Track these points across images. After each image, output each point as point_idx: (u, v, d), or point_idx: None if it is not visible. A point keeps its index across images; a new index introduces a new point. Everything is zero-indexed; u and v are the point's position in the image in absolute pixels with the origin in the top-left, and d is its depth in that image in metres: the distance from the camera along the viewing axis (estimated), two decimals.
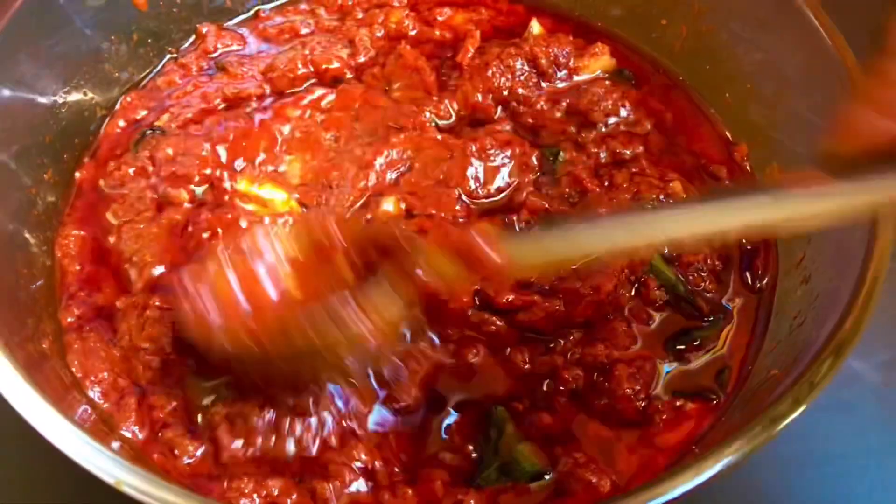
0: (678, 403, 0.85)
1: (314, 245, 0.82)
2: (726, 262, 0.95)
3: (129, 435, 0.82)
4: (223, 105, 1.08)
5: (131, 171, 1.00)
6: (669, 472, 0.63)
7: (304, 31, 1.17)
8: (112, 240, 0.95)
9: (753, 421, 0.64)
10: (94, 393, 0.84)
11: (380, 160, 1.00)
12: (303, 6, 1.21)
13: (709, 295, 0.92)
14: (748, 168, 1.02)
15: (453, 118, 1.07)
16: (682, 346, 0.89)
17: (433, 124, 1.05)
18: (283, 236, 0.83)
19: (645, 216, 0.73)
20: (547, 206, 0.97)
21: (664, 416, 0.84)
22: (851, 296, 0.71)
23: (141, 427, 0.83)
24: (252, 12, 1.20)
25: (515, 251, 0.72)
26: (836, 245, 0.83)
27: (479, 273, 0.73)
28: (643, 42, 1.15)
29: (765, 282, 0.93)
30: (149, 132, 1.04)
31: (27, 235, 0.91)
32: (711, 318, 0.91)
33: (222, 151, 1.01)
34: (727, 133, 1.06)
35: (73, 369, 0.85)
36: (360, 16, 1.19)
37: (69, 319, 0.89)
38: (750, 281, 0.94)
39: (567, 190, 0.99)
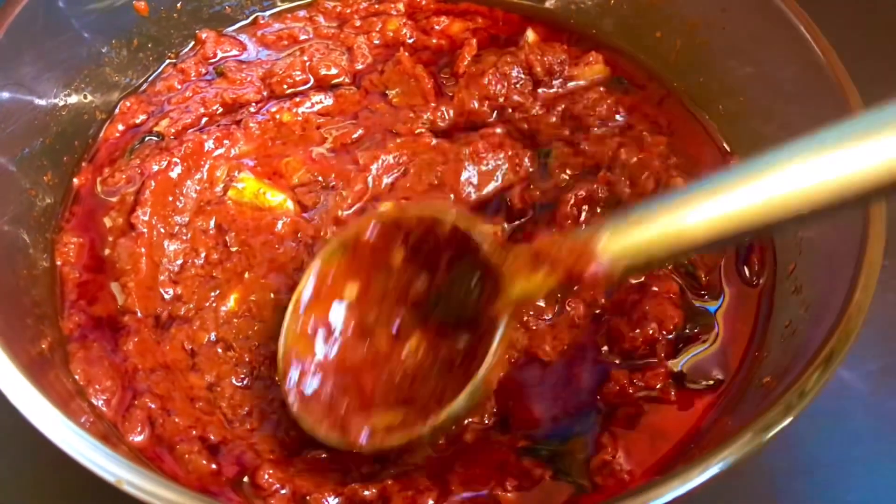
0: (684, 392, 0.86)
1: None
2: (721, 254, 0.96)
3: (135, 441, 0.82)
4: (222, 110, 1.09)
5: (123, 177, 1.00)
6: (656, 480, 0.64)
7: (302, 37, 1.18)
8: (107, 252, 0.96)
9: (743, 430, 0.65)
10: (98, 401, 0.84)
11: (376, 164, 1.01)
12: (301, 13, 1.21)
13: (706, 278, 0.93)
14: None
15: (449, 124, 1.08)
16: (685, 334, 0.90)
17: (428, 129, 1.06)
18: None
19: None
20: (539, 193, 1.00)
21: (670, 402, 0.85)
22: (841, 307, 0.72)
23: (145, 437, 0.83)
24: (251, 19, 1.21)
25: (619, 251, 0.67)
26: (826, 256, 0.85)
27: (576, 284, 0.70)
28: (638, 51, 1.16)
29: (762, 279, 0.94)
30: (147, 138, 1.05)
31: (26, 238, 0.91)
32: (706, 294, 0.92)
33: (220, 153, 1.03)
34: (723, 142, 1.07)
35: (77, 377, 0.85)
36: (357, 23, 1.20)
37: (71, 328, 0.89)
38: (748, 275, 0.94)
39: (561, 177, 1.01)
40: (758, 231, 0.69)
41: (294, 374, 0.82)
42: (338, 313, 0.85)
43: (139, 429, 0.83)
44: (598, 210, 0.97)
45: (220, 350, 0.89)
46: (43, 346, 0.84)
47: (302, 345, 0.83)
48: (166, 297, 0.93)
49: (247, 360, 0.89)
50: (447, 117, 1.08)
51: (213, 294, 0.93)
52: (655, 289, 0.90)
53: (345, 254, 0.85)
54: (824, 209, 0.60)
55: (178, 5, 1.13)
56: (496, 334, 0.75)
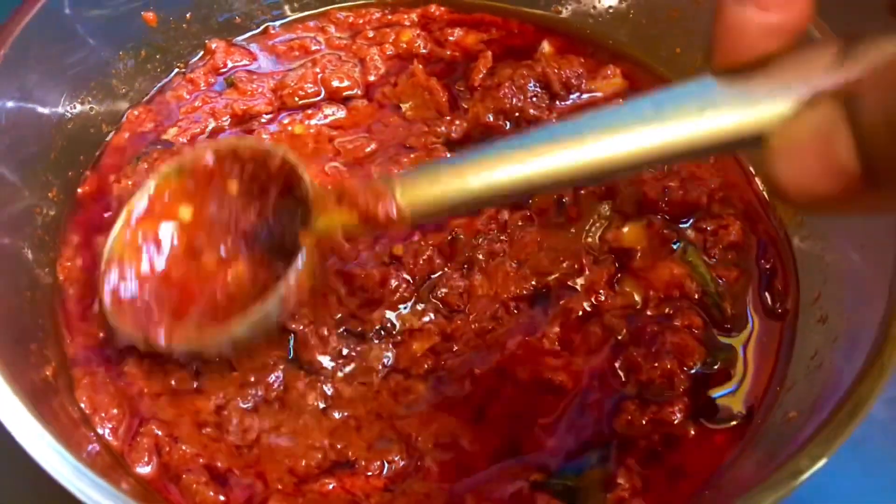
0: (703, 427, 0.84)
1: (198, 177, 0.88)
2: (745, 282, 0.93)
3: (142, 472, 0.81)
4: (231, 121, 1.08)
5: (129, 183, 0.98)
6: None
7: (314, 48, 1.16)
8: None
9: (768, 479, 0.63)
10: (105, 430, 0.82)
11: None
12: (312, 23, 1.20)
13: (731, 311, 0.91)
14: (765, 195, 1.01)
15: (462, 136, 1.06)
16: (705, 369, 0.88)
17: (443, 143, 1.04)
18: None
19: (562, 129, 0.66)
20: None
21: (689, 437, 0.83)
22: (875, 340, 0.69)
23: (153, 466, 0.81)
24: (261, 29, 1.19)
25: (411, 199, 0.73)
26: (854, 284, 0.83)
27: (375, 227, 0.76)
28: (657, 65, 1.14)
29: (787, 305, 0.91)
30: (155, 145, 1.03)
31: (30, 256, 0.90)
32: (730, 327, 0.90)
33: None
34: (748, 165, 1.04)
35: (82, 405, 0.83)
36: (370, 34, 1.18)
37: (75, 351, 0.88)
38: (770, 302, 0.92)
39: None
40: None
41: (114, 277, 0.85)
42: (168, 231, 0.88)
43: (146, 459, 0.81)
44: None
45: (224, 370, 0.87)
46: (47, 372, 0.82)
47: (129, 253, 0.86)
48: None
49: (252, 380, 0.87)
50: (462, 130, 1.06)
51: None
52: (678, 322, 0.88)
53: (181, 177, 0.88)
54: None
55: (188, 15, 1.12)
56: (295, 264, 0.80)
